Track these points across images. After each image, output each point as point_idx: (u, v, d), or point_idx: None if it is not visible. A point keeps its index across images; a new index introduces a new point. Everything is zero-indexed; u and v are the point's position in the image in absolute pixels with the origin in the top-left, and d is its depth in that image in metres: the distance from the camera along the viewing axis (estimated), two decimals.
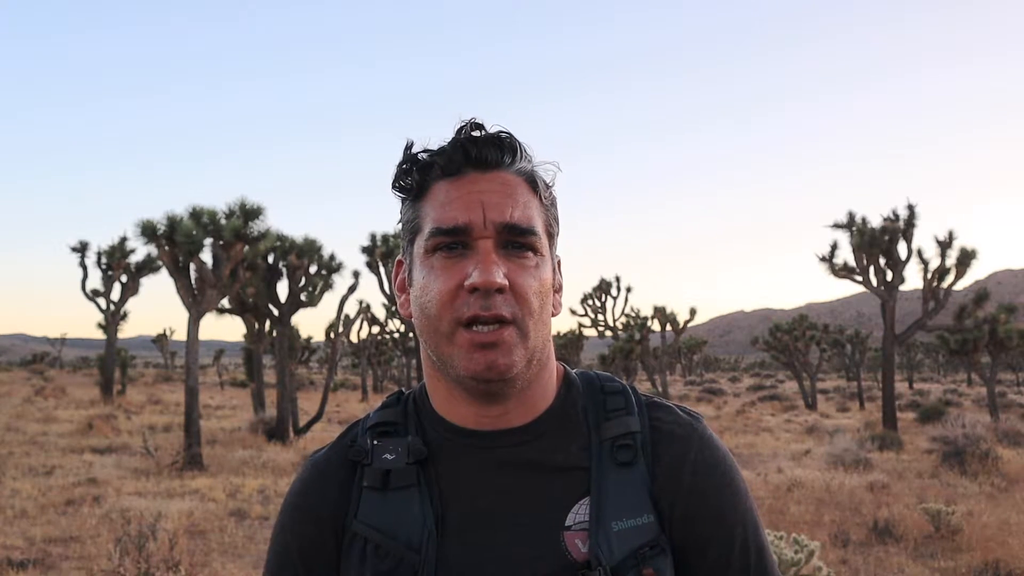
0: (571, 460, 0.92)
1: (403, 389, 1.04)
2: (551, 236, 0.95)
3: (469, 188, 0.89)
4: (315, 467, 0.99)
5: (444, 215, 0.89)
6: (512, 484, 0.91)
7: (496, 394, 0.91)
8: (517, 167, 0.93)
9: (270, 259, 16.33)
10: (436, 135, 0.94)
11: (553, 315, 0.95)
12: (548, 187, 0.96)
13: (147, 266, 27.26)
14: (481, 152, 0.90)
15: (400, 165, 0.94)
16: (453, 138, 0.92)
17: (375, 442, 0.95)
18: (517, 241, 0.89)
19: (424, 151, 0.92)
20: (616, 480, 0.90)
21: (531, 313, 0.88)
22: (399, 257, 0.99)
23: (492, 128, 0.92)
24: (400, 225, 0.97)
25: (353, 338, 32.86)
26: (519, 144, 0.93)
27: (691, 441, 0.95)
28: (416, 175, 0.92)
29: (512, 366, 0.87)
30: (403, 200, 0.96)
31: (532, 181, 0.93)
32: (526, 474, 0.92)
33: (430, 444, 0.95)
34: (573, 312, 31.43)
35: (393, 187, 0.95)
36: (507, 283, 0.87)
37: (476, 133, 0.92)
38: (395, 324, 34.05)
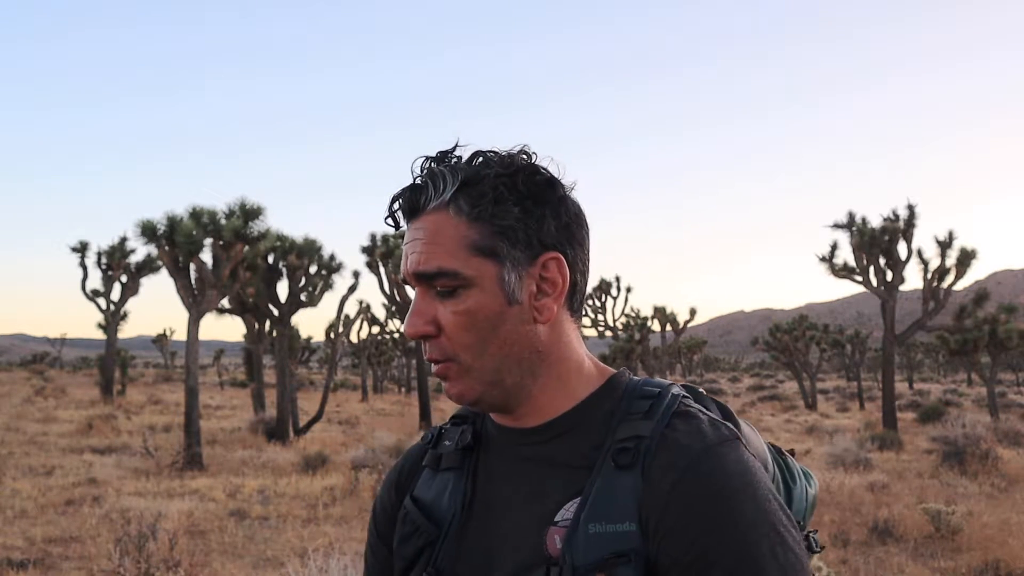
0: (580, 459, 0.93)
1: None
2: (492, 251, 0.90)
3: (407, 239, 0.95)
4: (409, 448, 1.14)
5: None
6: (527, 477, 0.96)
7: (487, 409, 0.99)
8: (435, 203, 0.91)
9: (270, 259, 16.34)
10: (421, 145, 0.96)
11: (540, 322, 0.93)
12: (479, 199, 0.90)
13: (147, 266, 27.28)
14: (406, 203, 0.94)
15: (389, 204, 0.98)
16: (393, 193, 0.96)
17: (443, 430, 1.07)
18: (434, 285, 0.92)
19: (395, 194, 0.96)
20: (608, 484, 0.89)
21: (464, 348, 0.92)
22: None
23: (450, 148, 0.94)
24: None
25: (353, 338, 32.88)
26: (440, 174, 0.91)
27: (690, 450, 0.87)
28: (392, 220, 0.98)
29: (463, 394, 0.94)
30: None
31: (456, 207, 0.90)
32: (540, 469, 0.95)
33: (483, 436, 1.04)
34: None
35: (384, 222, 1.01)
36: (431, 329, 0.92)
37: (415, 178, 0.95)
38: (395, 324, 34.05)
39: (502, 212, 0.91)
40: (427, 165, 0.94)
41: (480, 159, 0.92)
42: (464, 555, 0.96)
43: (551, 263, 0.93)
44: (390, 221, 0.97)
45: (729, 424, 0.93)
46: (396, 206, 0.96)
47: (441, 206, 0.92)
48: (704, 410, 0.94)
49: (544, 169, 0.94)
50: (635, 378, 1.00)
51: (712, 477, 0.84)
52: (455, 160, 0.93)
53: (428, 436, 1.08)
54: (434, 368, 0.95)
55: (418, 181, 0.94)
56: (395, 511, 1.07)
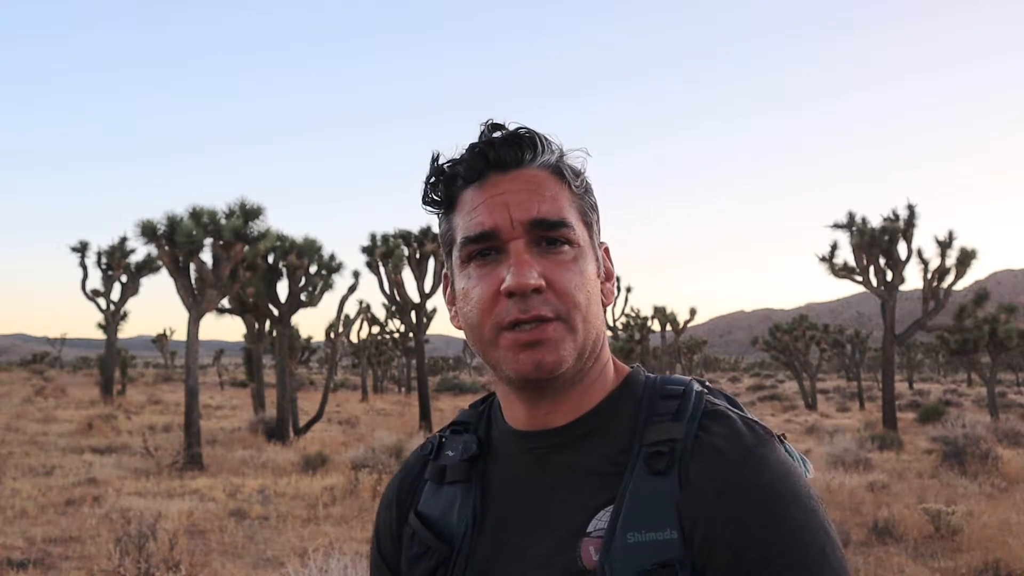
0: (607, 464, 0.88)
1: (494, 391, 1.04)
2: (588, 225, 0.92)
3: (492, 192, 0.88)
4: (406, 460, 1.07)
5: (471, 223, 0.89)
6: (547, 486, 0.91)
7: (546, 391, 0.90)
8: (540, 161, 0.90)
9: (270, 259, 16.33)
10: (450, 140, 0.92)
11: (605, 304, 0.93)
12: (578, 175, 0.92)
13: (147, 266, 27.27)
14: (499, 154, 0.89)
15: (427, 181, 0.93)
16: (471, 144, 0.91)
17: (444, 439, 1.01)
18: (550, 236, 0.87)
19: (448, 162, 0.92)
20: (643, 490, 0.84)
21: (576, 307, 0.86)
22: (444, 271, 0.98)
23: (512, 126, 0.91)
24: (439, 239, 0.97)
25: (353, 338, 32.87)
26: (539, 138, 0.90)
27: (730, 456, 0.83)
28: (442, 188, 0.92)
29: (561, 362, 0.85)
30: (437, 215, 0.96)
31: (559, 172, 0.91)
32: (561, 477, 0.90)
33: (491, 444, 0.98)
34: None
35: (423, 203, 0.95)
36: (543, 282, 0.85)
37: (496, 134, 0.90)
38: (395, 324, 34.05)
39: (590, 192, 0.94)
40: (524, 128, 0.91)
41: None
42: (483, 573, 0.90)
43: (606, 252, 0.97)
44: (462, 169, 0.90)
45: (760, 422, 0.90)
46: (480, 154, 0.89)
47: (547, 166, 0.90)
48: (732, 408, 0.91)
49: None
50: (651, 375, 0.97)
51: (759, 482, 0.81)
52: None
53: (428, 446, 1.02)
54: (529, 330, 0.84)
55: (506, 135, 0.90)
56: (399, 530, 1.01)
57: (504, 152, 0.89)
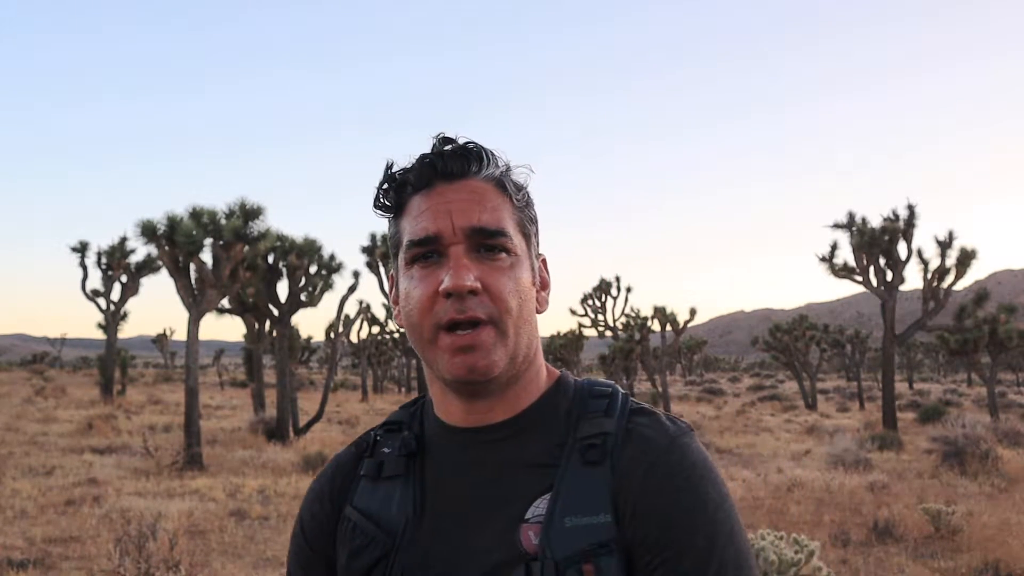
0: (544, 457, 0.95)
1: (425, 394, 1.11)
2: (527, 236, 0.99)
3: (438, 199, 0.95)
4: (334, 458, 1.11)
5: (416, 228, 0.95)
6: (486, 478, 0.96)
7: (480, 392, 0.96)
8: (484, 174, 0.97)
9: (270, 259, 16.33)
10: (421, 146, 0.99)
11: (538, 312, 0.99)
12: (520, 188, 0.99)
13: (147, 266, 27.27)
14: (447, 164, 0.95)
15: (379, 186, 1.00)
16: (422, 154, 0.97)
17: (378, 437, 1.06)
18: (488, 243, 0.93)
19: (400, 170, 0.98)
20: (579, 478, 0.92)
21: (508, 312, 0.92)
22: (391, 272, 1.04)
23: (462, 140, 0.97)
24: (388, 240, 1.04)
25: (353, 338, 32.91)
26: (485, 152, 0.97)
27: (657, 443, 0.93)
28: (393, 194, 0.99)
29: (492, 366, 0.92)
30: (387, 219, 1.02)
31: (502, 185, 0.97)
32: (500, 469, 0.96)
33: (425, 441, 1.03)
34: (573, 312, 31.39)
35: (374, 207, 1.01)
36: (479, 285, 0.91)
37: (447, 147, 0.97)
38: (395, 324, 34.00)
39: (530, 205, 1.01)
40: (471, 141, 0.97)
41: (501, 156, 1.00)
42: (424, 563, 0.95)
43: (544, 263, 1.04)
44: (412, 177, 0.97)
45: (678, 417, 0.99)
46: (429, 164, 0.96)
47: (490, 179, 0.97)
48: (652, 407, 1.01)
49: None
50: (578, 379, 1.05)
51: (681, 466, 0.91)
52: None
53: (362, 444, 1.07)
54: (464, 335, 0.91)
55: (455, 147, 0.96)
56: (332, 524, 1.04)
57: (451, 163, 0.96)
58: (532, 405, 0.99)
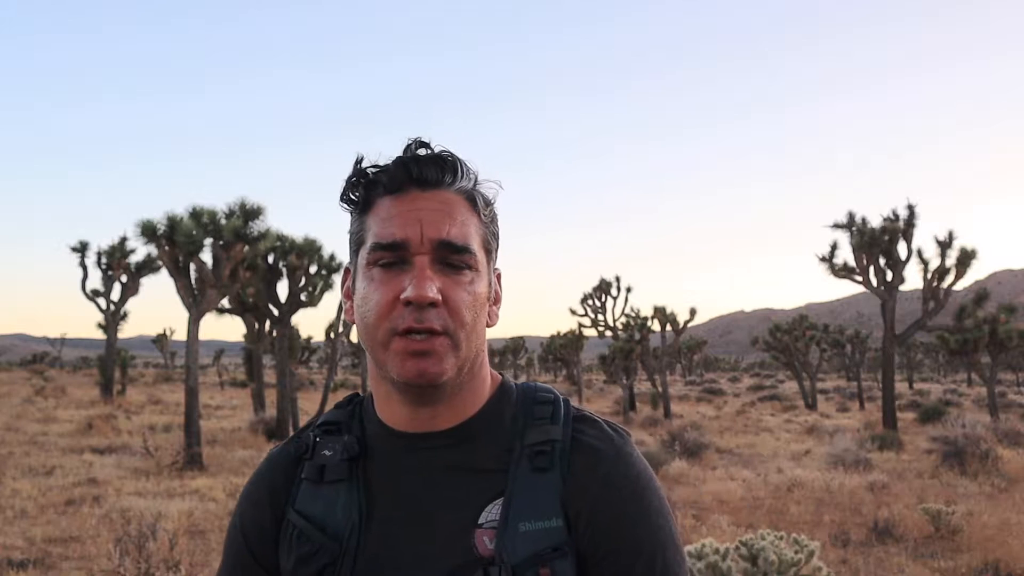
0: (492, 463, 0.97)
1: (359, 392, 1.12)
2: (488, 252, 1.00)
3: (409, 205, 0.95)
4: (269, 459, 1.08)
5: (384, 230, 0.94)
6: (434, 483, 0.97)
7: (427, 398, 0.96)
8: (457, 186, 0.97)
9: (270, 259, 16.33)
10: (399, 146, 0.99)
11: (489, 326, 1.01)
12: (488, 204, 1.00)
13: (147, 266, 27.26)
14: (422, 171, 0.95)
15: (348, 179, 0.99)
16: (397, 157, 0.96)
17: (317, 439, 1.03)
18: (452, 258, 0.94)
19: (372, 167, 0.97)
20: (530, 484, 0.94)
21: (463, 325, 0.94)
22: (346, 265, 1.04)
23: (437, 147, 0.97)
24: (348, 235, 1.02)
25: (353, 338, 32.86)
26: (460, 164, 0.98)
27: (606, 454, 0.97)
28: (361, 190, 0.98)
29: (442, 373, 0.92)
30: (351, 212, 1.01)
31: (472, 199, 0.98)
32: (449, 474, 0.97)
33: (367, 443, 1.02)
34: (573, 312, 31.36)
35: (340, 199, 1.00)
36: (439, 297, 0.92)
37: (421, 152, 0.97)
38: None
39: (495, 221, 1.03)
40: (447, 151, 0.97)
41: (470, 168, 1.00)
42: (374, 569, 0.94)
43: (499, 278, 1.05)
44: (385, 178, 0.96)
45: (618, 425, 1.03)
46: (404, 168, 0.95)
47: (462, 191, 0.98)
48: (592, 412, 1.04)
49: None
50: (518, 383, 1.07)
51: (627, 477, 0.97)
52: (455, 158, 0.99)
53: (301, 446, 1.04)
54: (419, 340, 0.91)
55: (431, 155, 0.96)
56: (273, 529, 1.02)
57: (427, 171, 0.96)
58: (477, 413, 1.00)
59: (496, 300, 1.03)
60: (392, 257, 0.94)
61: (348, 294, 1.02)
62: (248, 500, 1.06)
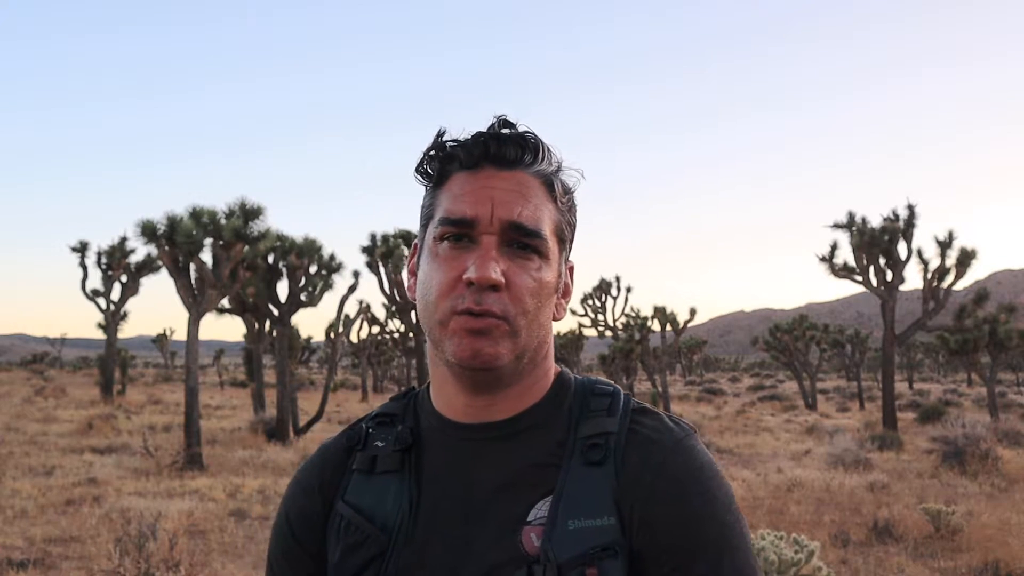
0: (546, 457, 0.93)
1: (415, 386, 1.08)
2: (562, 241, 0.96)
3: (483, 183, 0.91)
4: (321, 449, 1.06)
5: (454, 206, 0.91)
6: (486, 476, 0.93)
7: (482, 384, 0.93)
8: (536, 168, 0.94)
9: (270, 259, 16.32)
10: (468, 127, 0.95)
11: (555, 319, 0.97)
12: (567, 192, 0.97)
13: (147, 266, 27.27)
14: (500, 149, 0.92)
15: (426, 152, 0.96)
16: (476, 132, 0.93)
17: (370, 430, 1.01)
18: (521, 241, 0.90)
19: (452, 141, 0.94)
20: (582, 479, 0.90)
21: (524, 312, 0.90)
22: (415, 240, 1.01)
23: (521, 127, 0.94)
24: (420, 209, 1.00)
25: (353, 338, 32.85)
26: (542, 145, 0.94)
27: (663, 445, 0.91)
28: (437, 164, 0.95)
29: (498, 357, 0.89)
30: (425, 186, 0.98)
31: (550, 184, 0.95)
32: (501, 467, 0.93)
33: (421, 434, 0.99)
34: (573, 312, 31.35)
35: (416, 171, 0.97)
36: (503, 280, 0.88)
37: (505, 131, 0.93)
38: (395, 324, 33.99)
39: (574, 210, 0.99)
40: (529, 131, 0.93)
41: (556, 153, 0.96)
42: (421, 562, 0.92)
43: (571, 271, 1.01)
44: (462, 153, 0.93)
45: (681, 418, 0.97)
46: (483, 144, 0.92)
47: (540, 175, 0.94)
48: (654, 407, 0.99)
49: None
50: (577, 376, 1.03)
51: (688, 469, 0.90)
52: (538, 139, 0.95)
53: (354, 436, 1.02)
54: (476, 322, 0.88)
55: (528, 139, 0.93)
56: (321, 519, 1.00)
57: (505, 149, 0.92)
58: (536, 405, 0.96)
59: (566, 293, 0.99)
60: (459, 233, 0.90)
61: (412, 270, 1.00)
62: (297, 488, 1.04)
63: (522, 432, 0.95)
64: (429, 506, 0.94)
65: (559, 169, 0.96)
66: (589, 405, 0.96)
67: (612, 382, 1.02)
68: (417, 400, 1.04)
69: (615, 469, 0.90)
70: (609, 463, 0.91)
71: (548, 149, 0.94)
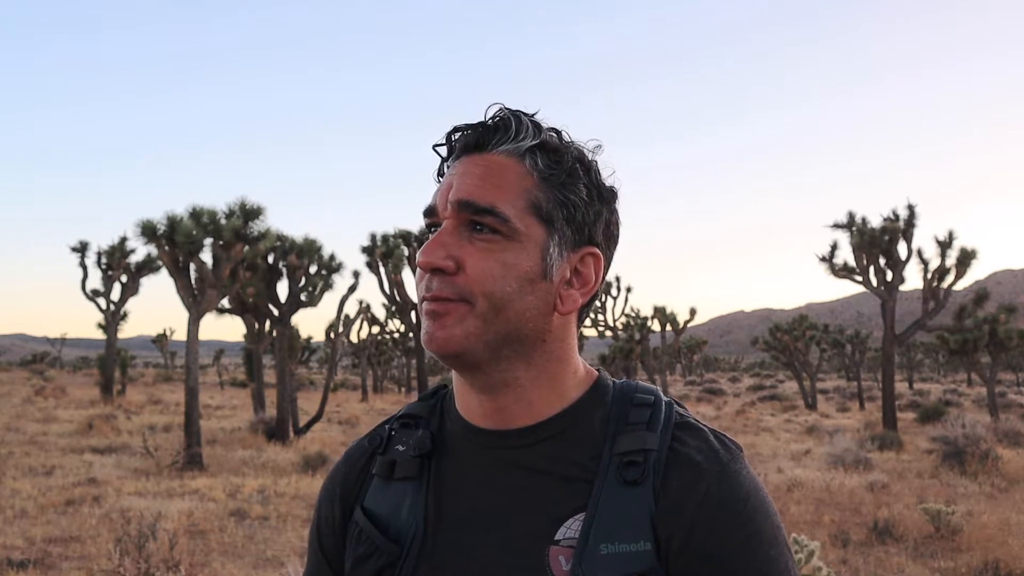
0: (577, 471, 0.87)
1: (445, 383, 1.02)
2: (547, 220, 0.86)
3: (454, 171, 0.89)
4: (347, 452, 1.02)
5: (429, 199, 0.91)
6: (512, 487, 0.88)
7: (468, 376, 0.88)
8: (506, 147, 0.87)
9: (270, 259, 16.32)
10: (433, 140, 0.93)
11: (560, 312, 0.88)
12: (557, 163, 0.87)
13: (147, 266, 27.27)
14: (467, 136, 0.89)
15: (434, 150, 0.95)
16: (454, 125, 0.91)
17: (393, 432, 0.97)
18: (475, 220, 0.85)
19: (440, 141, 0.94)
20: (617, 499, 0.84)
21: (487, 295, 0.83)
22: None
23: (510, 111, 0.90)
24: None
25: (353, 338, 32.90)
26: (517, 122, 0.88)
27: (708, 470, 0.84)
28: (440, 161, 0.94)
29: (450, 339, 0.83)
30: None
31: (532, 159, 0.87)
32: (528, 479, 0.88)
33: (445, 439, 0.94)
34: None
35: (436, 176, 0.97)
36: (450, 264, 0.84)
37: (492, 113, 0.90)
38: (395, 324, 34.06)
39: (572, 185, 0.88)
40: (505, 111, 0.89)
41: (562, 133, 0.90)
42: None
43: (590, 258, 0.90)
44: (442, 151, 0.91)
45: (728, 436, 0.91)
46: (457, 136, 0.90)
47: (514, 152, 0.87)
48: (698, 419, 0.92)
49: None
50: (618, 381, 0.96)
51: (735, 498, 0.84)
52: (536, 119, 0.90)
53: (376, 440, 0.97)
54: (430, 305, 0.85)
55: (491, 122, 0.89)
56: (342, 527, 0.97)
57: (479, 135, 0.88)
58: (565, 410, 0.89)
59: (583, 283, 0.90)
60: (432, 224, 0.89)
61: None
62: (323, 496, 1.01)
63: (546, 441, 0.89)
64: (447, 517, 0.89)
65: (542, 142, 0.88)
66: (627, 416, 0.89)
67: (654, 388, 0.94)
68: (445, 401, 0.99)
69: (653, 491, 0.84)
70: (647, 484, 0.84)
71: (529, 124, 0.88)
